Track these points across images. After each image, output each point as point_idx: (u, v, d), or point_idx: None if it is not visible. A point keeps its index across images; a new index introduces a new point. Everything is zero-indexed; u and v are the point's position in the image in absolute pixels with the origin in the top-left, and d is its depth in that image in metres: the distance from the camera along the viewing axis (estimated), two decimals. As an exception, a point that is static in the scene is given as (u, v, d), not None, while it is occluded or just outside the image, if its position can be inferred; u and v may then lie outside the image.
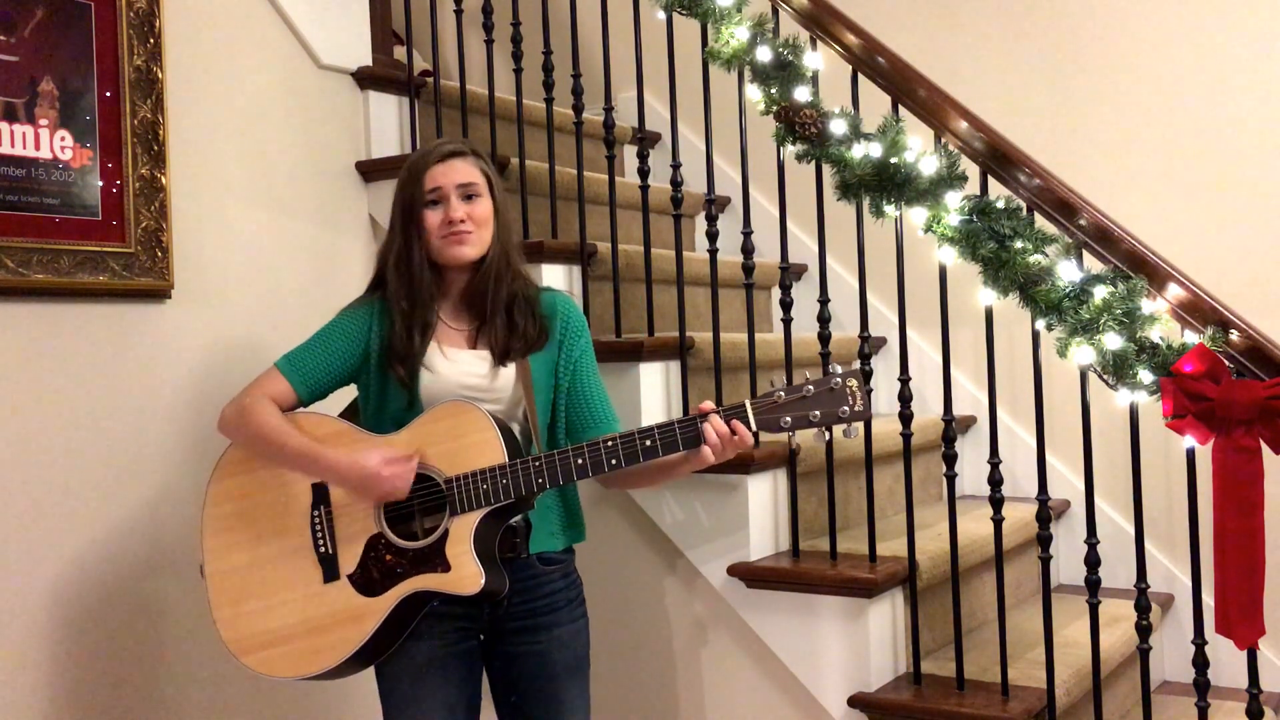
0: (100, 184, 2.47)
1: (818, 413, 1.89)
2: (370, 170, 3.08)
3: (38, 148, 2.37)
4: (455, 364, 2.06)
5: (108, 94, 2.49)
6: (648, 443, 1.91)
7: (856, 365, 2.02)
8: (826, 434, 1.93)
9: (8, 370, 2.33)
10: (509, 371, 2.07)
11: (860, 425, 1.92)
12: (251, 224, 2.79)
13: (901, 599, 2.56)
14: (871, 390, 2.48)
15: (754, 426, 1.91)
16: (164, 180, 2.57)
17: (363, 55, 3.12)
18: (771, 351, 2.88)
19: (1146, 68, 3.24)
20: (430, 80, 3.23)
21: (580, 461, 1.92)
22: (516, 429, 2.06)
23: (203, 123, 2.71)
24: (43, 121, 2.38)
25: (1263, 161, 3.09)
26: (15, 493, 2.33)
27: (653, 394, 2.74)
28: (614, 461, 1.91)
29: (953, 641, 2.49)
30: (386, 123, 3.16)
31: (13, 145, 2.33)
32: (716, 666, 2.69)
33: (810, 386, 1.90)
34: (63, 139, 2.41)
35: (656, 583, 2.73)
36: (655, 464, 1.96)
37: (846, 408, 1.89)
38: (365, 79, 3.10)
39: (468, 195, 2.05)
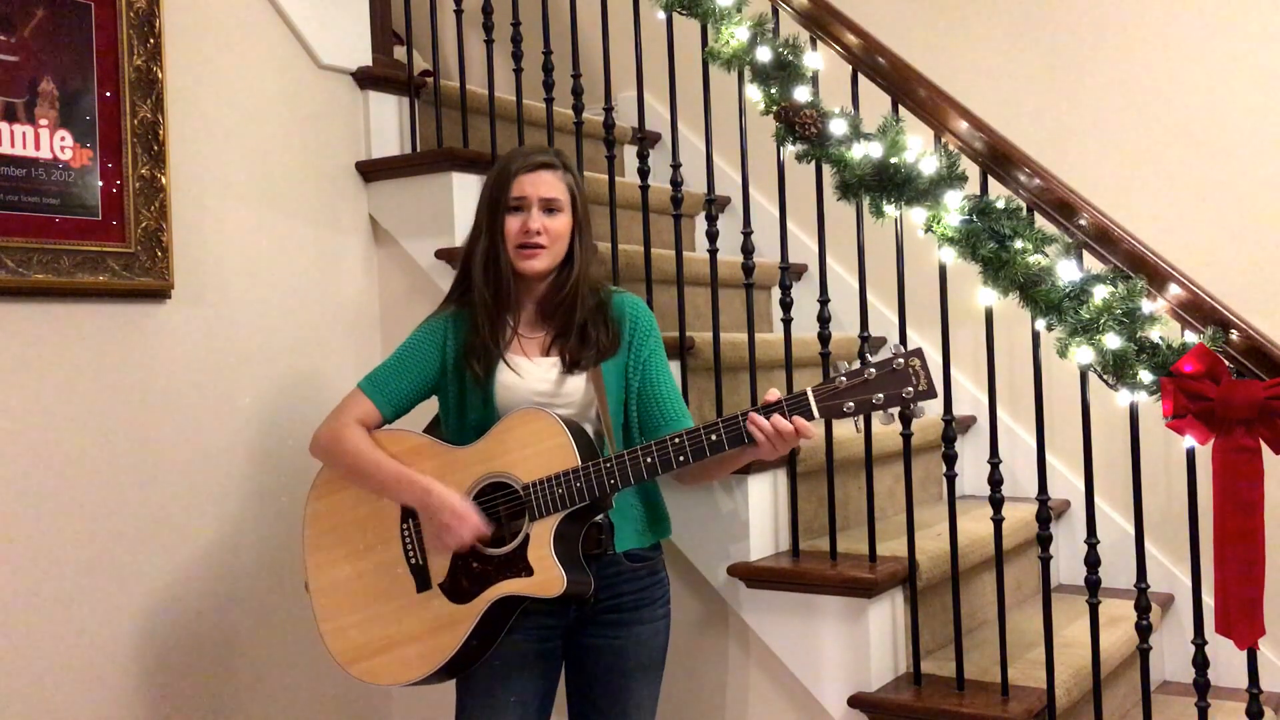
0: (100, 184, 2.47)
1: (881, 395, 1.88)
2: (370, 170, 3.08)
3: (38, 148, 2.37)
4: (526, 372, 2.10)
5: (108, 94, 2.49)
6: (713, 438, 1.94)
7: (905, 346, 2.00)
8: (893, 417, 1.92)
9: (7, 370, 2.33)
10: (578, 378, 2.10)
11: (927, 404, 1.91)
12: (251, 224, 2.79)
13: (901, 599, 2.56)
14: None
15: (816, 414, 1.92)
16: (164, 180, 2.57)
17: (363, 55, 3.12)
18: (771, 351, 2.88)
19: (1146, 68, 3.24)
20: (430, 80, 3.23)
21: (649, 460, 1.95)
22: (590, 429, 2.09)
23: (203, 123, 2.71)
24: (43, 121, 2.38)
25: (1263, 162, 3.09)
26: (10, 492, 2.33)
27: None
28: (681, 458, 1.94)
29: (953, 641, 2.49)
30: (386, 123, 3.16)
31: (13, 145, 2.33)
32: (716, 666, 2.69)
33: (872, 369, 1.89)
34: (63, 139, 2.41)
35: (656, 583, 2.73)
36: (722, 458, 1.99)
37: (911, 387, 1.88)
38: (365, 79, 3.10)
39: (549, 209, 2.10)
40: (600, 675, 2.12)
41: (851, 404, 1.89)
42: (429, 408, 2.27)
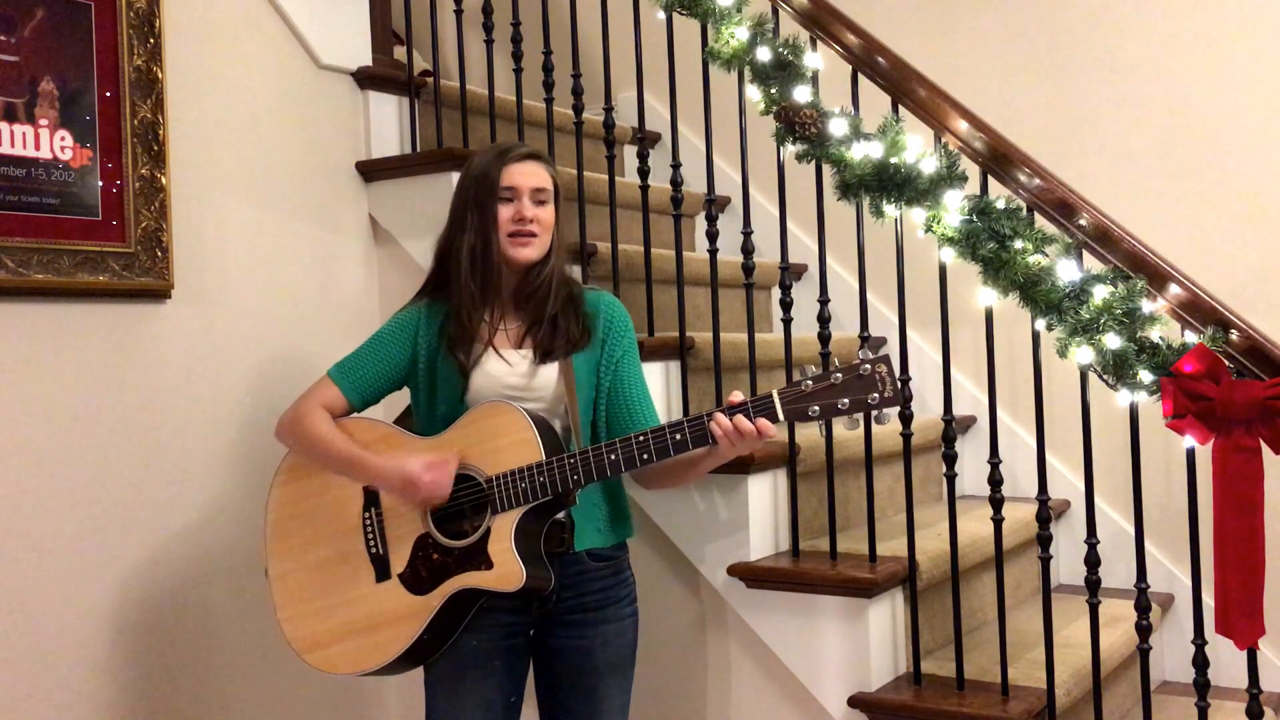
0: (100, 184, 2.47)
1: (846, 400, 1.87)
2: (370, 170, 3.08)
3: (38, 148, 2.37)
4: (497, 364, 2.10)
5: (108, 94, 2.49)
6: (678, 436, 1.94)
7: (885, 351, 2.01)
8: (858, 422, 1.92)
9: (7, 370, 2.33)
10: (549, 371, 2.10)
11: (892, 411, 1.91)
12: (251, 224, 2.79)
13: (901, 599, 2.56)
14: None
15: (781, 417, 1.91)
16: (164, 180, 2.57)
17: (363, 55, 3.12)
18: (771, 351, 2.88)
19: (1146, 68, 3.24)
20: (430, 80, 3.23)
21: (613, 457, 1.95)
22: (558, 425, 2.10)
23: (203, 123, 2.71)
24: (43, 121, 2.38)
25: (1262, 162, 3.09)
26: (9, 490, 2.33)
27: (653, 394, 2.72)
28: (645, 456, 1.94)
29: (953, 641, 2.49)
30: (386, 123, 3.16)
31: (13, 145, 2.33)
32: (716, 666, 2.69)
33: (838, 374, 1.88)
34: (63, 139, 2.41)
35: (656, 583, 2.73)
36: (685, 459, 1.99)
37: (876, 394, 1.87)
38: (365, 79, 3.10)
39: (538, 200, 2.11)
40: (568, 676, 2.12)
41: (817, 408, 1.89)
42: (401, 399, 2.27)
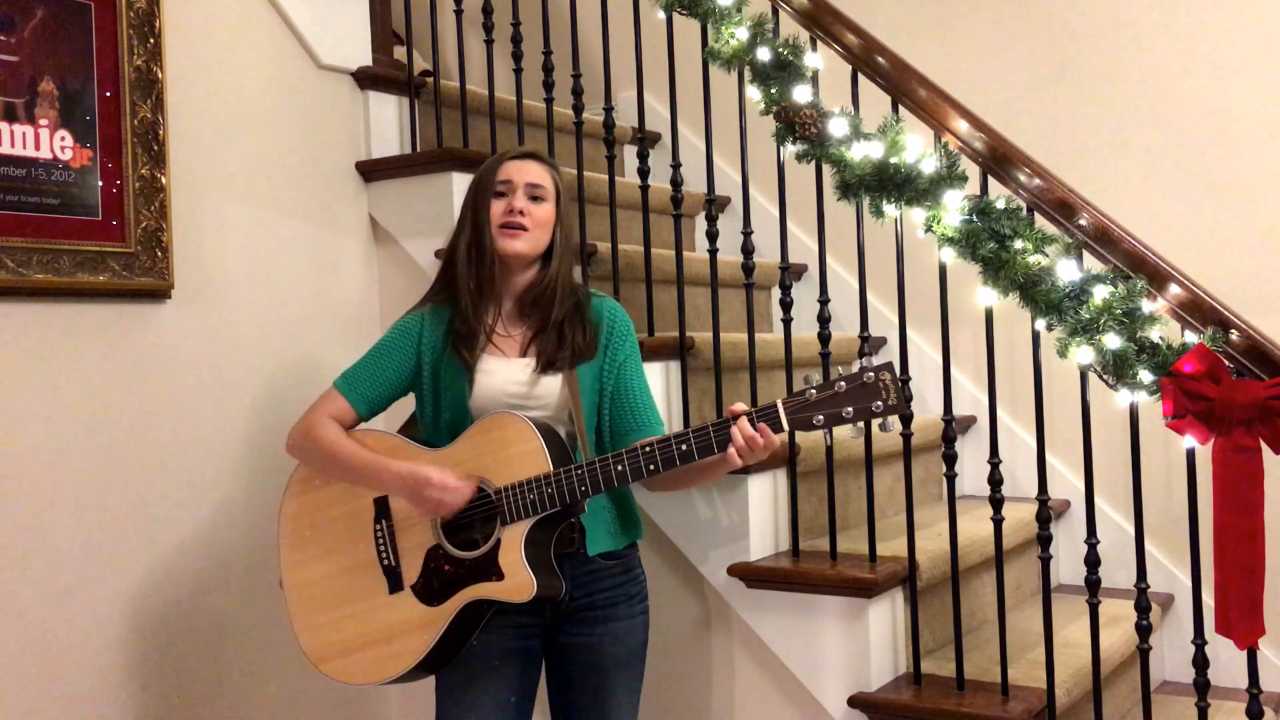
0: (100, 184, 2.47)
1: (851, 408, 1.88)
2: (370, 170, 3.08)
3: (38, 148, 2.37)
4: (500, 372, 2.11)
5: (108, 94, 2.49)
6: (684, 447, 1.94)
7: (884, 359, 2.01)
8: (862, 430, 1.93)
9: (7, 370, 2.33)
10: (553, 379, 2.11)
11: (896, 418, 1.92)
12: (251, 224, 2.79)
13: (901, 599, 2.56)
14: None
15: (786, 426, 1.92)
16: (164, 180, 2.57)
17: (363, 55, 3.12)
18: (771, 351, 2.88)
19: (1145, 68, 3.24)
20: (430, 80, 3.23)
21: (620, 468, 1.96)
22: (563, 432, 2.10)
23: (203, 123, 2.71)
24: (43, 121, 2.38)
25: (1262, 161, 3.09)
26: (11, 490, 2.33)
27: (653, 394, 2.73)
28: (652, 467, 1.95)
29: (953, 641, 2.49)
30: (386, 123, 3.16)
31: (13, 145, 2.33)
32: (716, 666, 2.69)
33: (842, 382, 1.89)
34: (63, 139, 2.41)
35: (658, 583, 2.73)
36: (693, 467, 1.99)
37: (880, 401, 1.88)
38: (365, 79, 3.10)
39: (534, 196, 2.13)
40: (578, 673, 2.13)
41: (821, 416, 1.90)
42: (404, 409, 2.27)
